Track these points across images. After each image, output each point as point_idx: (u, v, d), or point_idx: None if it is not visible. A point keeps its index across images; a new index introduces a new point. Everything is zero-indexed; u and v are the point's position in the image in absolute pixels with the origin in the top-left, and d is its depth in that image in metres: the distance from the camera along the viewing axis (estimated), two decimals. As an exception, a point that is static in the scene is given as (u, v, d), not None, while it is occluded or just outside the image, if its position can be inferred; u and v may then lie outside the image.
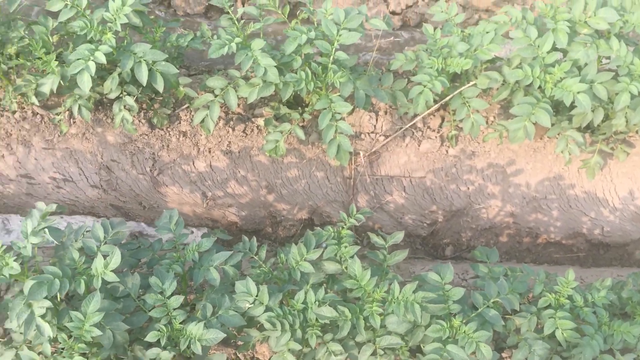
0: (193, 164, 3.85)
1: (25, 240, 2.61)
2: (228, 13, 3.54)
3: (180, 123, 3.83)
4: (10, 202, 3.94)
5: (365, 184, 3.94)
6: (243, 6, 4.49)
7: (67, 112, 3.68)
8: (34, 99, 3.40)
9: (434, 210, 4.03)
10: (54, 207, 2.76)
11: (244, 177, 3.90)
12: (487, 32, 3.48)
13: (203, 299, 2.82)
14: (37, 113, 3.72)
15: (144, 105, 3.76)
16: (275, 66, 3.28)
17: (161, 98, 3.77)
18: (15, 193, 3.91)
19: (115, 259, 2.57)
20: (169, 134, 3.81)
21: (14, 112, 3.70)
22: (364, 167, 3.87)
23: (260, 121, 3.80)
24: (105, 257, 2.58)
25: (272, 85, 3.39)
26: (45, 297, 2.47)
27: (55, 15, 3.36)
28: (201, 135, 3.82)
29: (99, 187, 3.88)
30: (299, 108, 3.80)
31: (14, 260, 2.52)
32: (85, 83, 3.14)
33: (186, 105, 3.80)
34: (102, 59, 3.14)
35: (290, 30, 3.48)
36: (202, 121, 3.55)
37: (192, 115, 3.81)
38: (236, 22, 3.52)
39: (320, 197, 3.97)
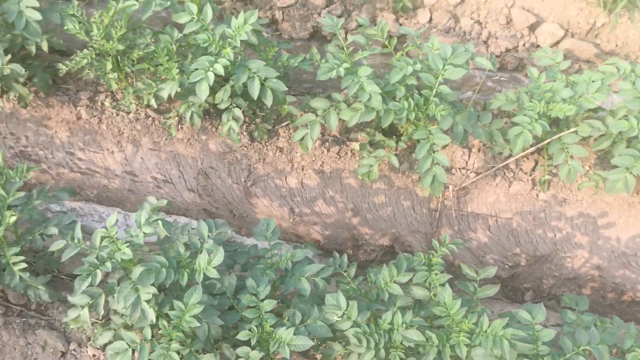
0: (285, 179, 4.00)
1: (139, 229, 2.79)
2: (338, 39, 3.71)
3: (278, 139, 4.00)
4: (113, 196, 4.20)
5: (451, 218, 3.97)
6: (346, 35, 4.68)
7: (177, 118, 3.92)
8: (152, 102, 3.65)
9: (517, 253, 4.00)
10: (164, 202, 2.95)
11: (332, 197, 4.01)
12: (593, 81, 3.49)
13: (291, 306, 2.91)
14: (150, 115, 3.98)
15: (247, 119, 3.96)
16: (379, 93, 3.41)
17: (263, 114, 3.95)
18: (119, 188, 4.16)
19: (219, 257, 2.71)
20: (267, 148, 3.99)
21: (128, 113, 3.98)
22: (451, 201, 3.91)
23: (355, 145, 3.92)
24: (209, 253, 2.73)
25: (373, 112, 3.51)
26: (152, 284, 2.63)
27: (179, 26, 3.64)
28: (296, 153, 3.98)
29: (195, 191, 4.08)
30: (393, 136, 3.90)
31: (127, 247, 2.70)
32: (203, 92, 3.36)
33: (286, 123, 3.98)
34: (221, 71, 3.35)
35: (396, 61, 3.61)
36: (302, 139, 3.70)
37: (291, 133, 3.98)
38: (345, 48, 3.69)
39: (404, 226, 4.03)
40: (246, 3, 4.82)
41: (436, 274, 2.84)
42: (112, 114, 3.99)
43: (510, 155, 3.79)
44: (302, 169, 3.98)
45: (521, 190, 3.86)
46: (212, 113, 3.99)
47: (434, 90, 3.46)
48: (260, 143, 3.99)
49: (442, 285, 2.77)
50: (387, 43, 3.77)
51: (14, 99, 3.88)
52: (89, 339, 3.09)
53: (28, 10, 3.44)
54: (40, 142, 4.07)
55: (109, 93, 4.06)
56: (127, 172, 4.10)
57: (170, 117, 3.90)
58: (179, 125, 3.97)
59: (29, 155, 4.11)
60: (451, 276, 2.86)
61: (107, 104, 4.00)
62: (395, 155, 3.77)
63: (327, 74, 3.47)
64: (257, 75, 3.44)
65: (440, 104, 3.44)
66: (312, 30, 4.76)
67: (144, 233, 2.77)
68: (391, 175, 3.95)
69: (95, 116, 3.98)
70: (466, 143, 3.90)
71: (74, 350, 3.04)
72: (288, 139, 3.98)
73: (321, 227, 4.12)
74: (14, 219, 2.77)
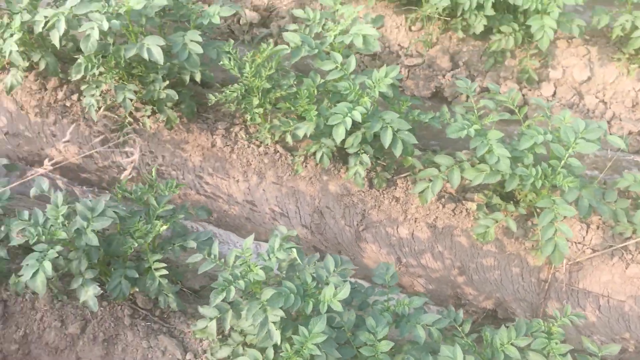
0: (397, 228, 4.11)
1: (272, 254, 2.97)
2: (470, 102, 3.85)
3: (395, 189, 4.13)
4: (231, 222, 4.45)
5: (560, 291, 3.92)
6: (467, 98, 4.82)
7: (304, 156, 4.14)
8: (289, 139, 3.90)
9: (626, 337, 3.87)
10: (294, 232, 3.13)
11: (441, 253, 4.06)
12: None
13: (403, 352, 2.97)
14: (278, 151, 4.24)
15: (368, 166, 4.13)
16: (508, 157, 3.49)
17: (384, 163, 4.12)
18: (238, 215, 4.41)
19: (344, 291, 2.83)
20: (383, 196, 4.13)
21: (258, 146, 4.25)
22: (563, 274, 3.87)
23: (472, 205, 3.99)
24: (335, 287, 2.85)
25: (499, 175, 3.58)
26: (280, 307, 2.78)
27: (320, 72, 3.90)
28: (412, 204, 4.09)
29: (309, 227, 4.26)
30: (510, 201, 3.94)
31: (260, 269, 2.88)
32: (339, 135, 3.57)
33: (406, 174, 4.11)
34: (358, 118, 3.56)
35: (525, 129, 3.70)
36: (422, 192, 3.82)
37: (408, 184, 4.11)
38: (475, 110, 3.82)
39: (510, 292, 4.01)
40: (374, 58, 5.09)
41: (556, 343, 2.82)
42: (244, 145, 4.27)
43: (631, 237, 3.73)
44: (415, 221, 4.08)
45: (638, 274, 3.77)
46: (335, 156, 4.19)
47: (563, 162, 3.51)
48: (378, 190, 4.14)
49: (563, 355, 2.74)
50: (516, 111, 3.86)
51: (162, 121, 4.24)
52: (204, 351, 3.25)
53: (191, 43, 3.81)
54: (174, 163, 4.40)
55: (243, 126, 4.36)
56: (248, 201, 4.35)
57: (298, 155, 4.12)
58: (304, 164, 4.19)
59: (162, 173, 4.45)
60: (573, 347, 2.83)
61: (240, 135, 4.30)
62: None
63: (458, 133, 3.60)
64: (390, 126, 3.63)
65: (568, 175, 3.48)
66: (434, 90, 4.94)
67: (277, 258, 2.95)
68: (503, 240, 3.97)
69: (228, 145, 4.28)
70: (587, 218, 3.87)
71: (190, 359, 3.21)
72: (405, 189, 4.11)
73: (425, 281, 4.17)
74: (164, 228, 3.03)
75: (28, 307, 3.40)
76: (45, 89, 4.49)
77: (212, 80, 4.27)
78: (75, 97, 4.46)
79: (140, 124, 4.35)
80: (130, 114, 4.35)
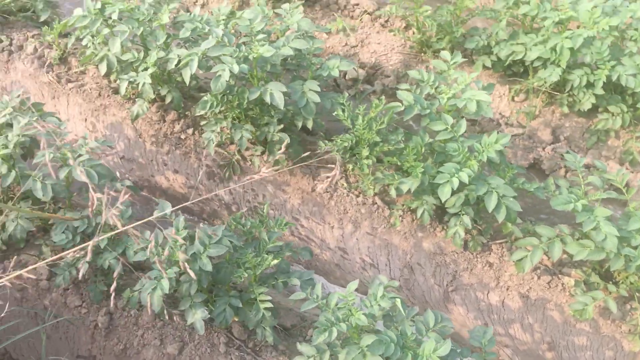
0: (487, 294, 4.08)
1: (374, 302, 3.03)
2: (578, 176, 3.86)
3: (490, 254, 4.13)
4: (320, 266, 4.55)
5: (656, 382, 3.75)
6: (566, 174, 4.81)
7: (401, 211, 4.23)
8: (393, 193, 4.01)
9: None
10: (396, 283, 3.19)
11: (531, 325, 3.99)
12: None
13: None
14: (376, 203, 4.34)
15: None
16: (615, 236, 3.45)
17: (481, 227, 4.14)
18: (328, 260, 4.51)
19: (445, 348, 2.84)
20: (476, 260, 4.13)
21: (357, 195, 4.38)
22: (661, 364, 3.71)
23: (569, 280, 3.93)
24: (436, 342, 2.87)
25: (603, 253, 3.54)
26: (380, 355, 2.82)
27: (430, 131, 4.03)
28: (505, 272, 4.07)
29: (397, 281, 4.29)
30: (610, 281, 3.85)
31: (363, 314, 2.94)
32: (445, 194, 3.65)
33: (503, 241, 4.12)
34: (465, 180, 3.63)
35: (633, 210, 3.65)
36: (520, 260, 3.81)
37: (504, 251, 4.10)
38: (583, 186, 3.81)
39: (601, 376, 3.87)
40: (474, 124, 5.19)
41: None
42: (343, 193, 4.41)
43: None
44: (507, 289, 4.04)
45: None
46: (432, 214, 4.25)
47: (673, 248, 3.43)
48: (472, 253, 4.15)
49: None
50: (624, 191, 3.83)
51: (269, 161, 4.46)
52: (292, 388, 3.31)
53: (310, 92, 4.03)
54: (274, 203, 4.58)
55: (344, 174, 4.51)
56: (340, 248, 4.45)
57: (396, 209, 4.22)
58: (400, 218, 4.27)
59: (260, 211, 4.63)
60: None
61: (341, 183, 4.44)
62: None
63: (564, 206, 3.60)
64: (496, 191, 3.67)
65: (678, 263, 3.40)
66: (532, 161, 4.96)
67: (379, 305, 3.01)
68: (599, 320, 3.87)
69: (328, 192, 4.43)
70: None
71: (278, 394, 3.28)
72: (500, 256, 4.10)
73: (512, 351, 4.09)
74: (275, 262, 3.16)
75: (131, 323, 3.58)
76: (164, 121, 4.82)
77: (322, 128, 4.47)
78: (190, 130, 4.76)
79: (247, 162, 4.58)
80: (239, 151, 4.60)
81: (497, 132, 3.83)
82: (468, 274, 4.14)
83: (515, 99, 5.12)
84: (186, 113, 4.84)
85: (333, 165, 4.55)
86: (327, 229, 4.47)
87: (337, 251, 4.48)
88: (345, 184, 4.43)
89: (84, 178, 3.52)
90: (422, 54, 5.40)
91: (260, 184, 4.61)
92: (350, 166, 4.42)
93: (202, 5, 6.12)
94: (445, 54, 4.22)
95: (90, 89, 5.03)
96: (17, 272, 2.48)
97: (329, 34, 5.69)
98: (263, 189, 4.60)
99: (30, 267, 2.56)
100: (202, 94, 4.94)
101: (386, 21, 5.69)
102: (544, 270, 4.05)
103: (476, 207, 3.98)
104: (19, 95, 3.90)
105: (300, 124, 4.26)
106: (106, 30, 4.53)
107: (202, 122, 4.41)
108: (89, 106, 4.99)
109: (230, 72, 3.83)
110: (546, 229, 3.81)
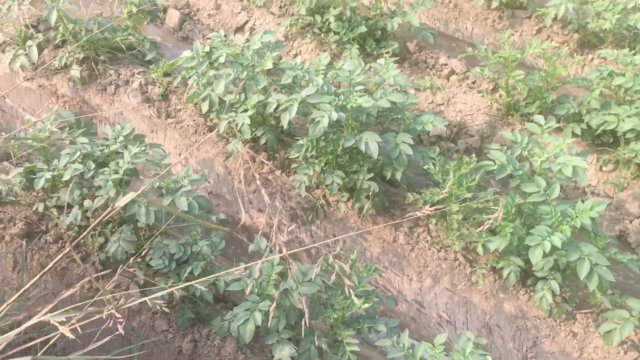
0: (569, 364, 3.97)
1: (462, 357, 3.02)
2: None
3: (574, 323, 4.03)
4: (396, 318, 4.53)
5: None
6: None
7: (485, 270, 4.20)
8: (480, 250, 4.01)
9: None
10: (483, 342, 3.16)
11: (615, 402, 3.83)
12: None
13: None
14: (457, 259, 4.34)
15: (548, 293, 4.09)
16: None
17: (565, 294, 4.05)
18: (403, 313, 4.50)
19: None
20: (560, 327, 4.03)
21: (439, 250, 4.39)
22: None
23: (659, 359, 3.78)
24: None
25: (701, 333, 3.41)
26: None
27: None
28: (590, 343, 3.95)
29: (485, 339, 4.22)
30: None
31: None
32: (536, 256, 3.62)
33: (588, 310, 4.01)
34: (557, 244, 3.60)
35: None
36: (608, 332, 3.70)
37: (589, 321, 3.99)
38: None
39: None
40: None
41: None
42: (425, 247, 4.43)
43: None
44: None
45: None
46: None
47: None
48: (555, 320, 4.05)
49: None
50: None
51: (355, 208, 4.55)
52: None
53: (403, 145, 4.13)
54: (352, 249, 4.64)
55: (426, 228, 4.55)
56: (417, 301, 4.44)
57: (479, 267, 4.20)
58: (482, 277, 4.24)
59: (339, 257, 4.70)
60: None
61: (423, 237, 4.47)
62: None
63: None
64: (588, 259, 3.62)
65: None
66: (618, 233, 4.85)
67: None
68: (691, 405, 3.68)
69: (409, 244, 4.46)
70: None
71: None
72: (585, 326, 3.99)
73: None
74: (365, 306, 3.20)
75: (214, 353, 3.66)
76: (254, 161, 5.02)
77: (410, 180, 4.54)
78: (278, 172, 4.94)
79: (331, 208, 4.68)
80: (324, 196, 4.72)
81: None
82: (550, 341, 4.03)
83: (603, 168, 5.07)
84: (275, 155, 5.02)
85: (416, 215, 4.60)
86: (405, 280, 4.48)
87: (414, 304, 4.46)
88: (429, 237, 4.46)
89: (185, 207, 3.71)
90: (509, 117, 5.46)
91: (342, 229, 4.69)
92: (433, 220, 4.45)
93: (295, 55, 6.41)
94: (540, 118, 4.26)
95: (188, 126, 5.31)
96: (138, 301, 2.60)
97: (417, 90, 5.84)
98: (343, 234, 4.68)
99: (144, 298, 2.67)
100: (290, 139, 5.14)
101: (473, 82, 5.80)
102: (631, 345, 3.91)
103: (563, 274, 3.92)
104: (130, 126, 4.18)
105: (389, 175, 4.35)
106: (211, 72, 4.82)
107: (294, 165, 4.57)
108: (184, 141, 5.26)
109: (329, 119, 3.99)
110: (638, 303, 3.70)
